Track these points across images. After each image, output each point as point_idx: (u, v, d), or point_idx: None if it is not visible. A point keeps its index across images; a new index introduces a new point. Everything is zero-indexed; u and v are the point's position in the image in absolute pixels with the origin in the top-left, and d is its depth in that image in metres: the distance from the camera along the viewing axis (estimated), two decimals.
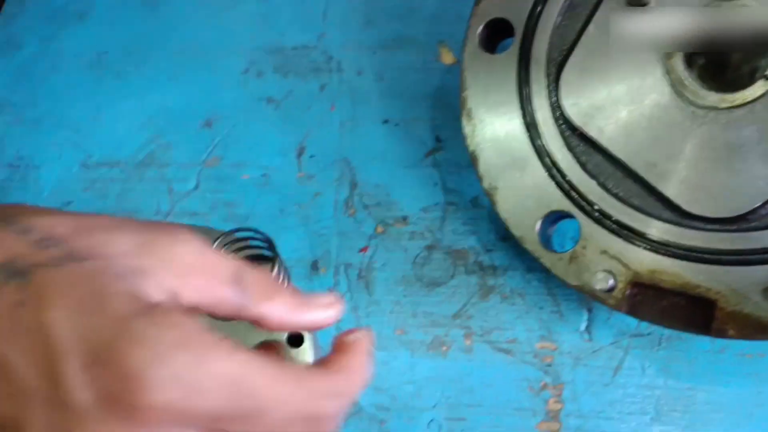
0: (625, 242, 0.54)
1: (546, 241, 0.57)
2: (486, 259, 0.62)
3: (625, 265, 0.54)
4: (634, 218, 0.54)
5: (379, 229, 0.64)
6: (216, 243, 0.54)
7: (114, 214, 0.67)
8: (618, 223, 0.54)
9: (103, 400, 0.27)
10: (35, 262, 0.28)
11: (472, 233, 0.63)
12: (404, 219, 0.64)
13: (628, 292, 0.53)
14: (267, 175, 0.67)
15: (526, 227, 0.57)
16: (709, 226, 0.52)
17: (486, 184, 0.59)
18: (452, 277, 0.61)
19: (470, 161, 0.65)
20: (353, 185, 0.66)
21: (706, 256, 0.51)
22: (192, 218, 0.65)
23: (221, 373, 0.28)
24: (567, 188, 0.56)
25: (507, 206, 0.58)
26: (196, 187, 0.68)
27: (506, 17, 0.59)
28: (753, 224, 0.51)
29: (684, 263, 0.52)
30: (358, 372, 0.35)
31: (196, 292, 0.31)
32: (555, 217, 0.57)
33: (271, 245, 0.53)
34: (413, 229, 0.64)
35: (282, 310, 0.34)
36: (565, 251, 0.56)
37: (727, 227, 0.51)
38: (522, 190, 0.57)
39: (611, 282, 0.53)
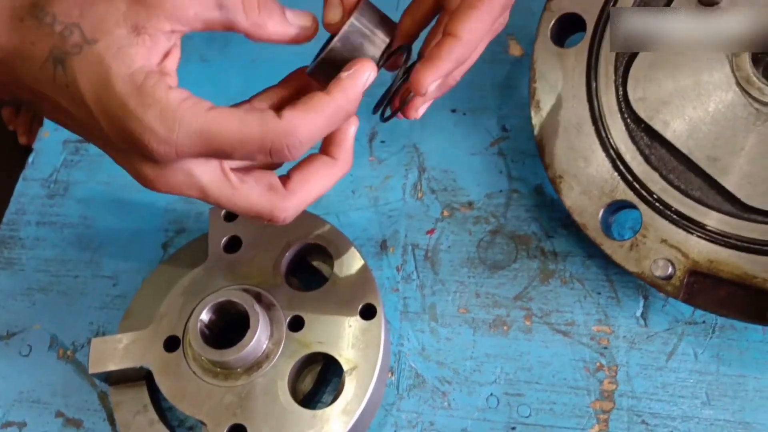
0: (685, 232, 0.56)
1: (607, 229, 0.60)
2: (547, 245, 0.64)
3: (685, 254, 0.56)
4: (694, 209, 0.56)
5: (446, 212, 0.67)
6: None
7: None
8: (678, 213, 0.57)
9: (131, 147, 0.43)
10: (65, 51, 0.41)
11: (535, 220, 0.66)
12: (470, 204, 0.67)
13: (686, 280, 0.56)
14: None
15: (589, 215, 0.60)
16: None
17: (551, 173, 0.62)
18: (515, 260, 0.64)
19: (535, 151, 0.68)
20: (421, 170, 0.69)
21: (764, 248, 0.54)
22: None
23: (193, 127, 0.42)
24: (630, 179, 0.59)
25: (571, 194, 0.61)
26: None
27: (579, 12, 0.61)
28: None
29: (742, 254, 0.54)
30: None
31: (187, 24, 0.44)
32: (616, 207, 0.60)
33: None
34: (478, 213, 0.67)
35: (264, 19, 0.47)
36: (626, 240, 0.58)
37: None
38: (586, 180, 0.60)
39: (670, 269, 0.56)
